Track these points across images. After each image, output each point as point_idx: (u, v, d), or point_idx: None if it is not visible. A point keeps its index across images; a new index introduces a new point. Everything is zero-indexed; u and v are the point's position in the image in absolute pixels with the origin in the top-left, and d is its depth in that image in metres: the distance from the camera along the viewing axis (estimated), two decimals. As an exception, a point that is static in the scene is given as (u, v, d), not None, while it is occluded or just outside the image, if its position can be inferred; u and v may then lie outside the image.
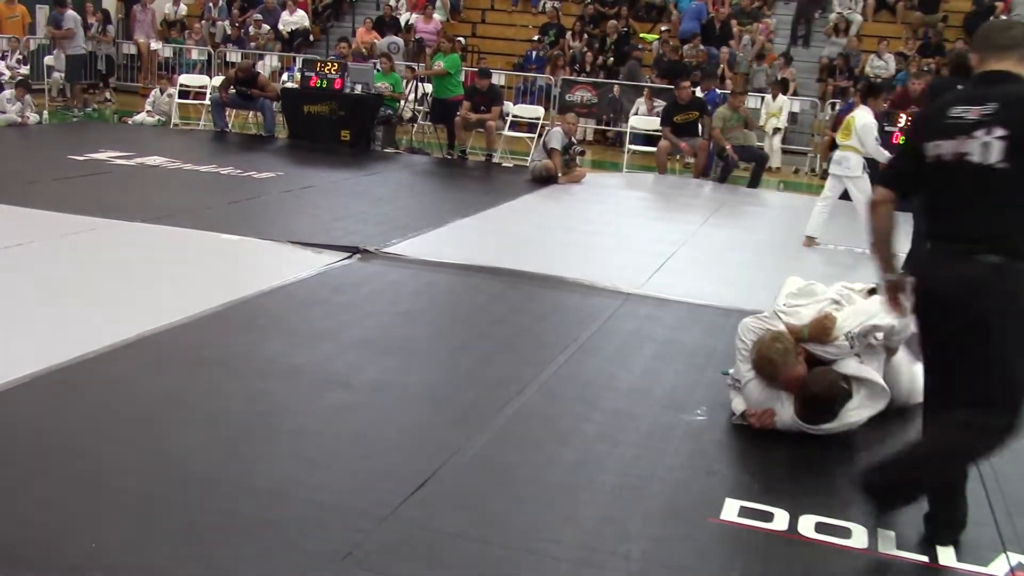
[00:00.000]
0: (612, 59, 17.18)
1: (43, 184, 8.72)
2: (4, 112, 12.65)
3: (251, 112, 14.25)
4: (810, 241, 8.59)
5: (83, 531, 2.98)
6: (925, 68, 15.41)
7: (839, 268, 7.50)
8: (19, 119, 12.69)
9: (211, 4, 19.74)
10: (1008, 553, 3.29)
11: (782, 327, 4.23)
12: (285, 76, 15.72)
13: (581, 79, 16.39)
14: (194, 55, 18.03)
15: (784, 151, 14.58)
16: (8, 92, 12.92)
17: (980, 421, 3.09)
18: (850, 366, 4.13)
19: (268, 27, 18.51)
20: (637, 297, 6.31)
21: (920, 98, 12.64)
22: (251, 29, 18.39)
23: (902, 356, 4.42)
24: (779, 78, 15.43)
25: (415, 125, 14.55)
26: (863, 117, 8.41)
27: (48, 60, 15.64)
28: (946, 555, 3.25)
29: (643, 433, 4.11)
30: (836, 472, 3.90)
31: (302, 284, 6.07)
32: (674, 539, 3.25)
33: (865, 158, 8.38)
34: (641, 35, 18.25)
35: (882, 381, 4.17)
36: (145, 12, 18.56)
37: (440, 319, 5.85)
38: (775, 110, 14.33)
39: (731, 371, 4.41)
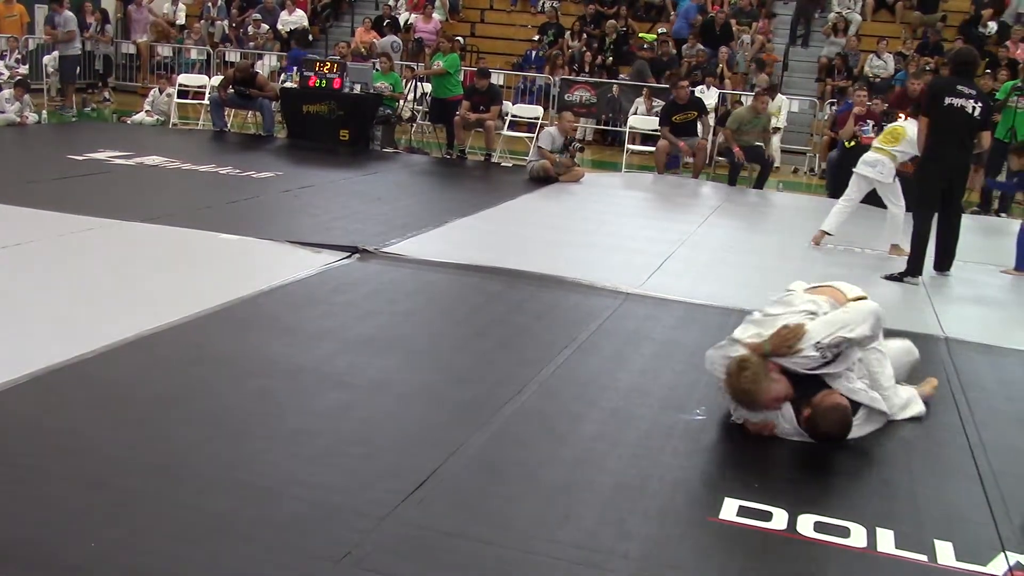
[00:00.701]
0: (611, 58, 17.20)
1: (42, 184, 8.73)
2: (3, 112, 12.63)
3: (250, 112, 14.25)
4: (821, 235, 8.59)
5: (83, 531, 2.98)
6: (925, 67, 15.41)
7: (839, 268, 7.51)
8: (18, 119, 12.68)
9: (210, 4, 19.74)
10: (1007, 552, 3.29)
11: (741, 351, 4.11)
12: (284, 76, 15.73)
13: (580, 79, 16.40)
14: (193, 55, 18.04)
15: (783, 151, 14.60)
16: (7, 92, 12.91)
17: None
18: (851, 390, 4.10)
19: (267, 27, 18.51)
20: (636, 297, 6.31)
21: (919, 97, 12.66)
22: (250, 29, 18.39)
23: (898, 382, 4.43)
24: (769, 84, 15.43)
25: (414, 125, 14.56)
26: (911, 129, 8.14)
27: (47, 60, 15.62)
28: (945, 554, 3.25)
29: (642, 433, 4.11)
30: (835, 471, 3.90)
31: (301, 284, 6.07)
32: (673, 539, 3.25)
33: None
34: (640, 35, 18.26)
35: (882, 405, 4.13)
36: (141, 11, 18.47)
37: (439, 319, 5.86)
38: (774, 110, 14.33)
39: (699, 411, 4.39)
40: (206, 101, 14.50)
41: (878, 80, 16.02)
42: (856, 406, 4.08)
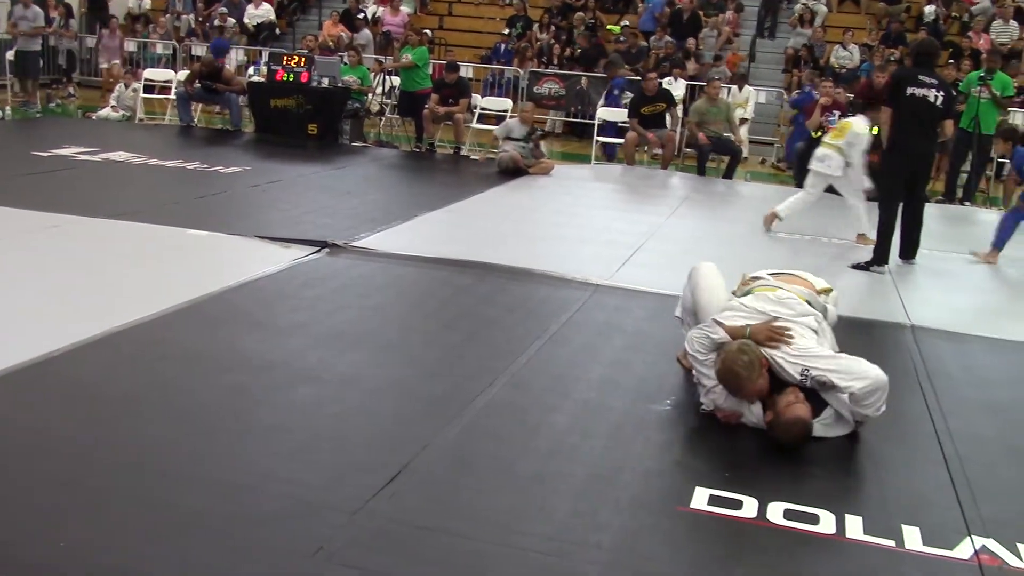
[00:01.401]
0: (579, 50, 17.21)
1: (6, 180, 8.61)
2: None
3: (217, 106, 14.13)
4: (772, 217, 8.71)
5: (52, 530, 2.96)
6: (890, 58, 15.56)
7: (808, 257, 7.57)
8: (-20, 115, 12.53)
9: (175, -3, 19.58)
10: (972, 536, 3.34)
11: (724, 334, 4.14)
12: (251, 70, 15.62)
13: (549, 71, 16.41)
14: (158, 49, 17.86)
15: (751, 141, 14.68)
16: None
17: None
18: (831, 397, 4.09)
19: (233, 20, 18.37)
20: (606, 288, 6.34)
21: (884, 90, 12.79)
22: (216, 22, 18.24)
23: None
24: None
25: (383, 118, 14.51)
26: (860, 125, 8.50)
27: (9, 55, 15.42)
28: (912, 539, 3.30)
29: (613, 424, 4.13)
30: (804, 460, 3.94)
31: (270, 279, 6.05)
32: (645, 529, 3.27)
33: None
34: (608, 27, 18.30)
35: (850, 416, 4.12)
36: (113, 37, 17.55)
37: (410, 312, 5.85)
38: (741, 101, 14.42)
39: (669, 402, 4.41)
40: (172, 96, 14.38)
41: (844, 71, 16.15)
42: (824, 405, 4.09)
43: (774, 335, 4.10)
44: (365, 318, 5.43)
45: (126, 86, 14.50)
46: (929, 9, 17.54)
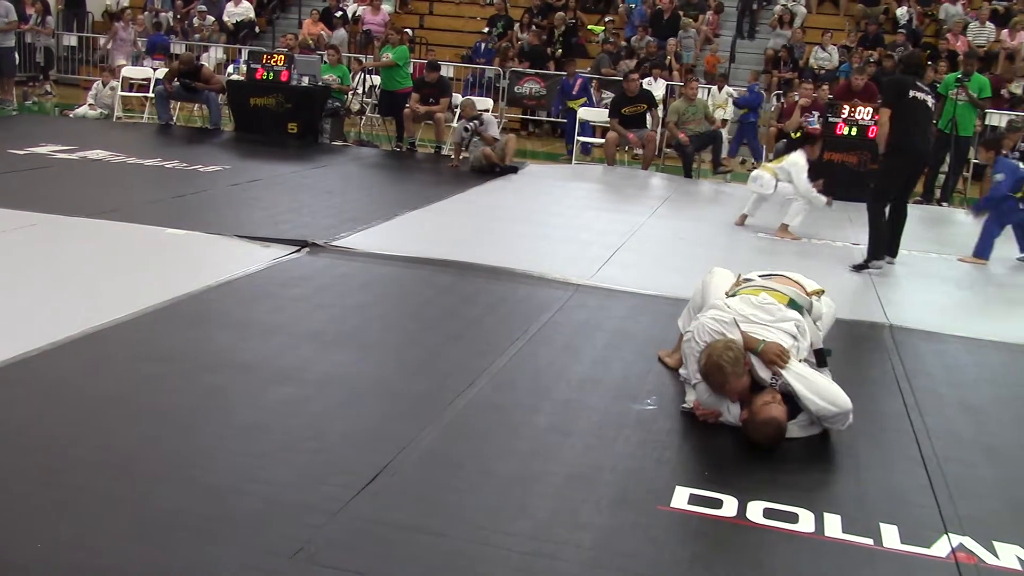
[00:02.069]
0: (560, 51, 17.23)
1: (-18, 179, 8.55)
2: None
3: (196, 105, 14.07)
4: (743, 218, 9.32)
5: (30, 530, 2.94)
6: (869, 59, 15.66)
7: (789, 258, 7.61)
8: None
9: (154, -5, 19.45)
10: (949, 534, 3.36)
11: (738, 336, 4.16)
12: (231, 68, 15.55)
13: (530, 71, 16.42)
14: (138, 47, 17.73)
15: (730, 142, 14.73)
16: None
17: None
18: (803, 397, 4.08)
19: (212, 18, 18.28)
20: (587, 288, 6.35)
21: (862, 92, 12.89)
22: (195, 20, 18.14)
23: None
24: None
25: (363, 117, 14.48)
26: (797, 156, 9.04)
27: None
28: (890, 537, 3.32)
29: (594, 423, 4.14)
30: (783, 459, 3.95)
31: (250, 278, 6.02)
32: (625, 528, 3.28)
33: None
34: (589, 27, 18.32)
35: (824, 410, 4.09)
36: (127, 30, 17.14)
37: (390, 312, 5.84)
38: (721, 101, 14.47)
39: (650, 401, 4.43)
40: (151, 94, 14.30)
41: (823, 72, 16.24)
42: (799, 409, 4.11)
43: (778, 360, 4.07)
44: (345, 318, 5.42)
45: (104, 84, 14.40)
46: (902, 11, 17.66)
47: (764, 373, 4.08)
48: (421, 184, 10.93)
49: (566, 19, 17.79)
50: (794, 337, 4.27)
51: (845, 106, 11.93)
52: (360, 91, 14.28)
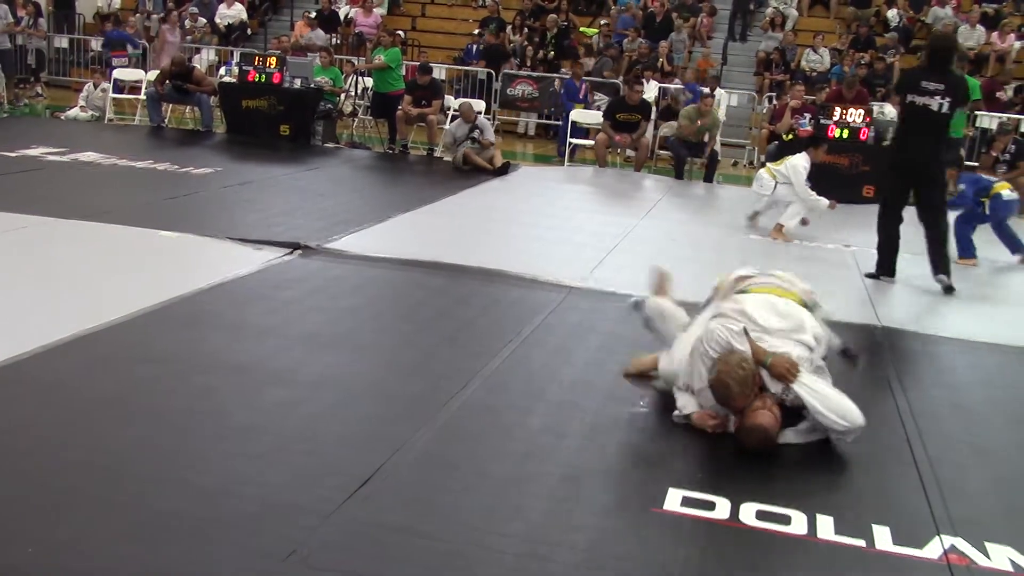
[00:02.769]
0: (552, 53, 17.25)
1: (-27, 181, 8.52)
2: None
3: (188, 107, 14.04)
4: (755, 217, 9.38)
5: (22, 532, 2.93)
6: (861, 62, 15.71)
7: (781, 260, 7.62)
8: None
9: (146, -4, 19.41)
10: (941, 536, 3.37)
11: (747, 347, 4.06)
12: (223, 70, 15.52)
13: (522, 73, 16.43)
14: (129, 49, 17.68)
15: (723, 144, 14.76)
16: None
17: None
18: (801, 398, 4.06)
19: (204, 20, 18.24)
20: (580, 290, 6.35)
21: (854, 98, 12.96)
22: (187, 22, 18.11)
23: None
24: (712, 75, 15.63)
25: (356, 119, 14.47)
26: (797, 159, 9.04)
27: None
28: (882, 539, 3.33)
29: (587, 425, 4.15)
30: (775, 461, 3.96)
31: (243, 281, 6.01)
32: (618, 530, 3.28)
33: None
34: (580, 29, 18.34)
35: (827, 420, 4.02)
36: (174, 33, 16.82)
37: (383, 314, 5.84)
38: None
39: (643, 403, 4.41)
40: (142, 96, 14.27)
41: (814, 74, 16.29)
42: (802, 418, 4.09)
43: (787, 375, 3.99)
44: (338, 320, 5.42)
45: (95, 86, 14.37)
46: (892, 13, 17.73)
47: (774, 387, 4.02)
48: (413, 186, 10.93)
49: (558, 21, 17.80)
50: (810, 348, 4.16)
51: (836, 108, 11.97)
52: (353, 93, 14.27)
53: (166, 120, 13.98)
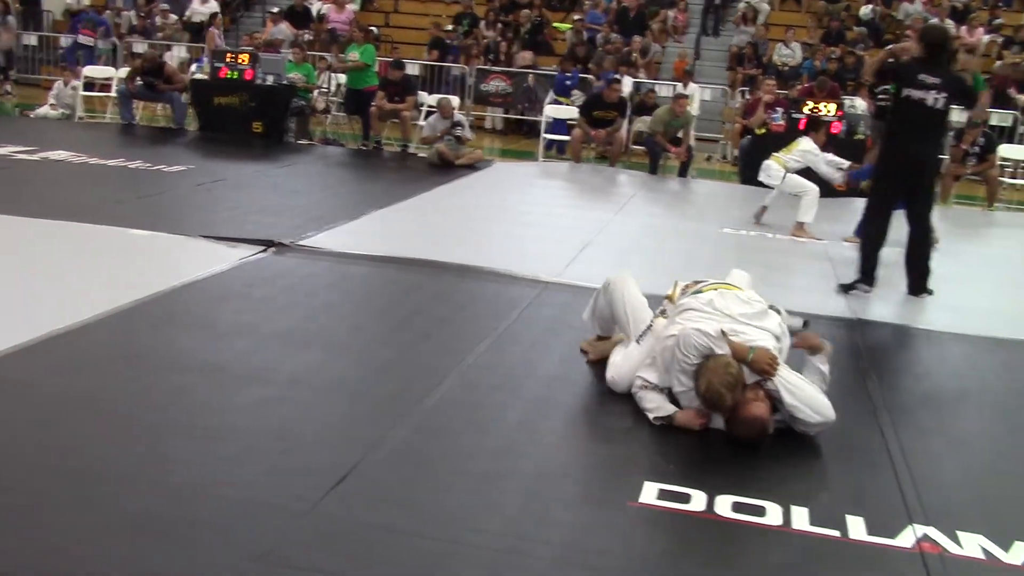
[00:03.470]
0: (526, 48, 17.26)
1: (-59, 180, 8.42)
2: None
3: (160, 104, 13.93)
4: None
5: (-7, 537, 2.90)
6: (832, 56, 15.81)
7: (757, 253, 7.66)
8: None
9: (116, -7, 19.24)
10: (915, 525, 3.41)
11: (727, 349, 4.03)
12: (194, 67, 15.41)
13: (496, 68, 16.42)
14: (99, 46, 17.54)
15: (696, 139, 14.82)
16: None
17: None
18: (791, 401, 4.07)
19: (175, 17, 18.11)
20: (555, 285, 6.36)
21: (827, 92, 13.05)
22: (158, 19, 17.97)
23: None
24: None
25: (329, 116, 14.42)
26: (807, 145, 9.13)
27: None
28: (856, 529, 3.36)
29: (563, 420, 4.15)
30: (750, 453, 3.98)
31: (216, 279, 5.98)
32: (595, 524, 3.29)
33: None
34: (554, 24, 18.35)
35: (805, 415, 4.06)
36: (222, 36, 16.54)
37: (358, 311, 5.82)
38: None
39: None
40: (113, 93, 14.15)
41: (787, 68, 16.38)
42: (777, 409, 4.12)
43: (768, 369, 4.02)
44: (313, 317, 5.39)
45: (65, 83, 14.23)
46: (866, 9, 17.85)
47: (751, 380, 4.02)
48: (388, 183, 10.90)
49: (531, 17, 17.80)
50: (777, 338, 4.22)
51: (808, 102, 12.04)
52: (326, 89, 14.20)
53: (137, 118, 13.87)
